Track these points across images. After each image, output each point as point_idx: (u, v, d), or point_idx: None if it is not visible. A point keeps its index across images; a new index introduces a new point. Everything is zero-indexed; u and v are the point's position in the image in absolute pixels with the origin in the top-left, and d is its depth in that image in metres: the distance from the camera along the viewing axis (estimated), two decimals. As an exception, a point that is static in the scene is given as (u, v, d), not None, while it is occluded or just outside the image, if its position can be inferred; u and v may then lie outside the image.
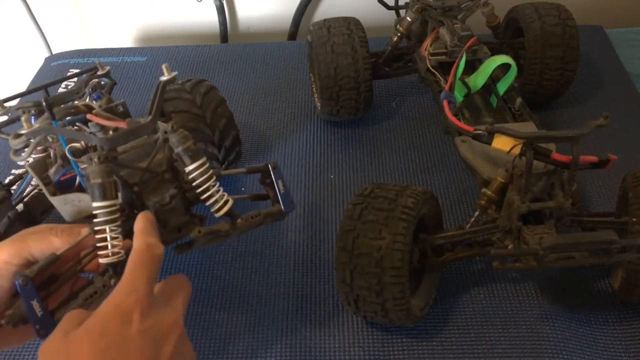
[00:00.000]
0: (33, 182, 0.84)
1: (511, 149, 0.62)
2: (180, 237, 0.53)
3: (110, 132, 0.55)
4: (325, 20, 0.90)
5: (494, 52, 0.83)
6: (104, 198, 0.46)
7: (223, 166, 0.82)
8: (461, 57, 0.78)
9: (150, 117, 0.49)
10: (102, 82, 0.75)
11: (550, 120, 0.93)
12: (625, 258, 0.61)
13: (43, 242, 0.46)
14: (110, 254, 0.46)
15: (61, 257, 0.46)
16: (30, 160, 0.59)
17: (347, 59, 0.85)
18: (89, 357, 0.37)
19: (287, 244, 0.77)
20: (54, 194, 0.63)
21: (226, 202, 0.52)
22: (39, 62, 1.18)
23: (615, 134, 0.87)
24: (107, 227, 0.46)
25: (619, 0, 1.25)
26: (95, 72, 0.75)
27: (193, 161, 0.50)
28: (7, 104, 0.71)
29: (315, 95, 0.96)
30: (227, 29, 1.28)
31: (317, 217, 0.80)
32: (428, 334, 0.66)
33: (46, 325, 0.44)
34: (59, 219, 0.72)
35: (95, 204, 0.46)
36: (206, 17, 1.27)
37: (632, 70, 1.05)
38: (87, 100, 0.73)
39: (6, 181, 0.77)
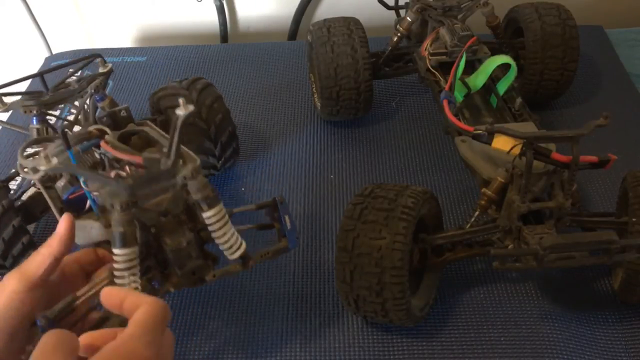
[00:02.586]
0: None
1: (511, 149, 0.62)
2: (194, 281, 0.55)
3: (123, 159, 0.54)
4: (325, 20, 0.90)
5: (494, 52, 0.83)
6: (124, 246, 0.48)
7: (220, 162, 0.82)
8: (461, 57, 0.78)
9: (171, 161, 0.49)
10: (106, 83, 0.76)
11: (550, 120, 0.93)
12: (625, 258, 0.61)
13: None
14: None
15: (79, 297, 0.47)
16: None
17: (347, 59, 0.85)
18: None
19: (287, 244, 0.77)
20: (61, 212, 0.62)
21: (240, 245, 0.54)
22: (39, 62, 1.18)
23: (615, 134, 0.87)
24: (126, 273, 0.48)
25: (619, 0, 1.25)
26: (92, 61, 0.75)
27: (210, 208, 0.51)
28: (6, 99, 0.71)
29: (315, 95, 0.96)
30: (227, 29, 1.28)
31: (317, 217, 0.80)
32: (428, 334, 0.66)
33: None
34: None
35: (116, 251, 0.48)
36: (206, 17, 1.27)
37: (632, 70, 1.05)
38: (89, 100, 0.73)
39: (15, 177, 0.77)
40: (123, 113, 0.64)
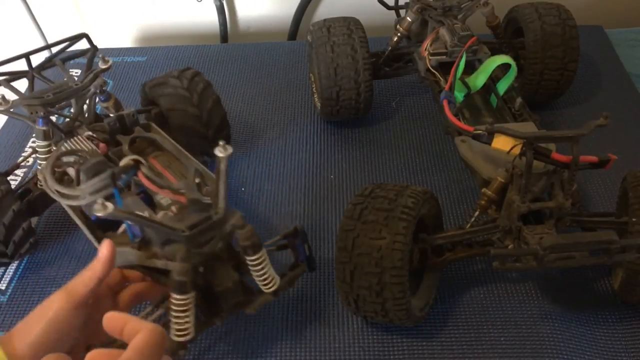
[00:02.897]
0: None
1: (511, 149, 0.62)
2: (234, 312, 0.60)
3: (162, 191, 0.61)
4: (325, 20, 0.90)
5: (494, 52, 0.83)
6: (185, 293, 0.53)
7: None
8: (461, 57, 0.78)
9: (222, 211, 0.56)
10: (107, 83, 0.76)
11: (550, 120, 0.93)
12: (625, 258, 0.61)
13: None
14: (186, 334, 0.54)
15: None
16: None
17: (347, 59, 0.85)
18: None
19: (287, 244, 0.77)
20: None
21: (275, 281, 0.60)
22: (39, 62, 1.18)
23: (615, 134, 0.87)
24: (183, 314, 0.54)
25: (619, 0, 1.25)
26: (77, 41, 0.78)
27: (255, 254, 0.57)
28: (8, 98, 0.71)
29: (315, 95, 0.96)
30: (227, 29, 1.28)
31: (317, 217, 0.80)
32: (428, 334, 0.66)
33: None
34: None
35: (176, 297, 0.53)
36: (206, 17, 1.27)
37: (632, 70, 1.05)
38: (97, 100, 0.75)
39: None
40: (131, 117, 0.70)
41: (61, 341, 0.49)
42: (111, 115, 0.72)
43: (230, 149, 0.54)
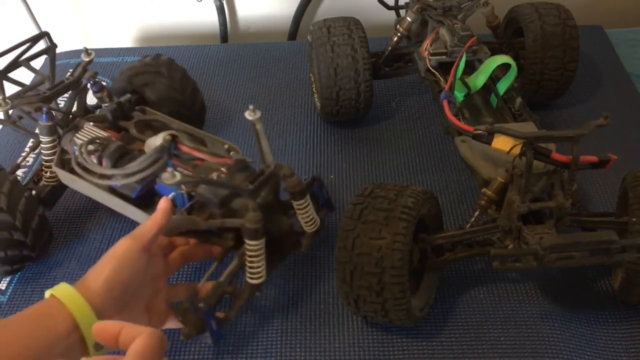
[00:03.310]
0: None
1: (511, 149, 0.62)
2: (290, 253, 0.69)
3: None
4: (325, 20, 0.90)
5: (494, 52, 0.83)
6: (258, 238, 0.61)
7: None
8: (461, 57, 0.78)
9: (272, 164, 0.66)
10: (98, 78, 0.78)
11: (550, 120, 0.93)
12: (625, 258, 0.61)
13: None
14: (260, 277, 0.63)
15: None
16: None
17: (347, 59, 0.85)
18: None
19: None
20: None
21: (316, 221, 0.68)
22: (39, 62, 1.18)
23: (615, 134, 0.87)
24: (258, 259, 0.62)
25: (619, 0, 1.25)
26: (38, 41, 0.80)
27: (302, 198, 0.66)
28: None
29: (315, 95, 0.96)
30: (227, 29, 1.28)
31: (317, 217, 0.80)
32: (428, 334, 0.66)
33: (218, 337, 0.61)
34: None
35: (252, 243, 0.61)
36: (206, 17, 1.27)
37: (632, 70, 1.05)
38: (90, 91, 0.78)
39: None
40: (127, 104, 0.75)
41: (131, 280, 0.56)
42: (105, 105, 0.76)
43: (258, 112, 0.63)
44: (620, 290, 0.67)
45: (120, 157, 0.67)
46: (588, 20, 1.11)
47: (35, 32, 1.26)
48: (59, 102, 0.87)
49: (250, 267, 0.62)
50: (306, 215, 0.67)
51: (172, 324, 0.61)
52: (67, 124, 0.73)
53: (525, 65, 0.89)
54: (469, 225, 0.66)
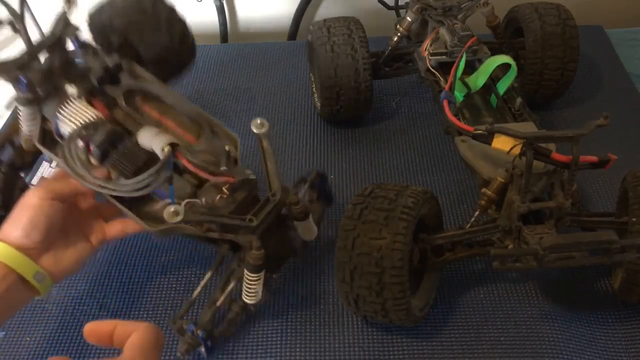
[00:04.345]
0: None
1: (511, 149, 0.62)
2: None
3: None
4: (325, 20, 0.90)
5: (494, 52, 0.83)
6: (259, 272, 0.60)
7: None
8: (461, 57, 0.78)
9: (279, 194, 0.62)
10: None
11: (550, 120, 0.93)
12: (625, 258, 0.61)
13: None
14: (256, 297, 0.62)
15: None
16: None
17: (347, 59, 0.85)
18: None
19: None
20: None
21: (315, 230, 0.66)
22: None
23: (615, 134, 0.87)
24: (258, 288, 0.61)
25: (619, 0, 1.25)
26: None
27: (305, 219, 0.63)
28: None
29: (315, 95, 0.96)
30: (227, 29, 1.28)
31: (317, 217, 0.80)
32: (428, 334, 0.66)
33: (212, 351, 0.63)
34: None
35: (251, 275, 0.60)
36: (206, 17, 1.27)
37: (632, 70, 1.05)
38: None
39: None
40: (114, 64, 0.67)
41: (50, 225, 0.58)
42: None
43: (267, 124, 0.58)
44: (620, 290, 0.67)
45: (111, 145, 0.59)
46: (588, 20, 1.10)
47: (34, 32, 1.26)
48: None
49: (248, 289, 0.62)
50: (304, 229, 0.65)
51: (115, 231, 0.65)
52: (46, 86, 0.63)
53: (525, 65, 0.89)
54: (469, 225, 0.66)
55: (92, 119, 0.62)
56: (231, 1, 1.27)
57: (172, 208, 0.54)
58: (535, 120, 0.74)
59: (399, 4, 0.95)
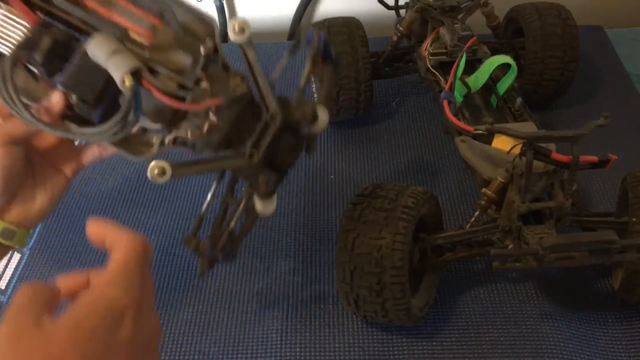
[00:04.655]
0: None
1: (511, 149, 0.62)
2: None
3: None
4: (325, 20, 0.90)
5: (494, 52, 0.83)
6: (271, 197, 0.51)
7: None
8: (461, 57, 0.78)
9: (278, 116, 0.49)
10: None
11: (550, 120, 0.93)
12: (625, 258, 0.61)
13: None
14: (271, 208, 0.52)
15: None
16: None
17: (347, 59, 0.85)
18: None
19: (287, 244, 0.77)
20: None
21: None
22: None
23: (615, 134, 0.87)
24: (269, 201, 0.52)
25: (619, 0, 1.25)
26: None
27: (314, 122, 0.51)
28: None
29: (316, 96, 0.95)
30: (227, 29, 1.28)
31: (317, 217, 0.80)
32: (428, 334, 0.66)
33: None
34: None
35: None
36: (206, 17, 1.27)
37: (632, 70, 1.04)
38: None
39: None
40: None
41: (9, 174, 0.50)
42: None
43: (248, 27, 0.43)
44: (620, 290, 0.67)
45: (58, 59, 0.47)
46: (588, 20, 1.10)
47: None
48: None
49: (262, 207, 0.53)
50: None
51: (92, 156, 0.56)
52: None
53: (525, 65, 0.89)
54: (469, 225, 0.66)
55: (20, 32, 0.48)
56: (231, 1, 1.27)
57: (155, 168, 0.43)
58: (535, 120, 0.74)
59: (399, 4, 0.95)
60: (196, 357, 0.65)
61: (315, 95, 0.57)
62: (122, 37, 0.46)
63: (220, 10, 1.25)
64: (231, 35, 0.43)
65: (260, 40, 1.26)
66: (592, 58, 1.05)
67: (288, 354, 0.65)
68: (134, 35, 0.47)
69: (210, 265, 0.56)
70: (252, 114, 0.49)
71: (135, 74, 0.44)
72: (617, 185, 0.70)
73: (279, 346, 0.66)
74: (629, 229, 0.63)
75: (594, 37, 1.11)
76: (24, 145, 0.51)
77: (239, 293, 0.72)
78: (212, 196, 0.57)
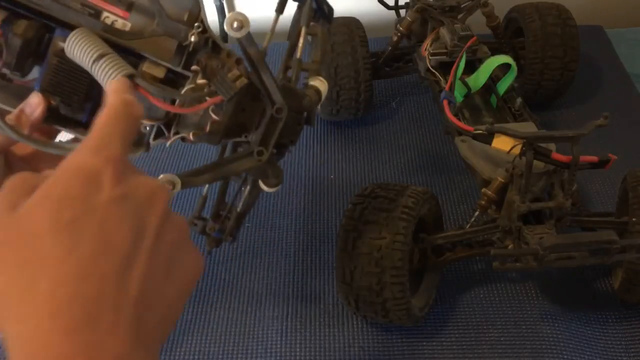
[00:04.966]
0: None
1: (511, 149, 0.62)
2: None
3: None
4: (325, 18, 0.90)
5: (494, 52, 0.83)
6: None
7: None
8: (461, 57, 0.78)
9: (284, 107, 0.47)
10: None
11: (550, 120, 0.93)
12: (625, 258, 0.61)
13: None
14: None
15: None
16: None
17: (347, 59, 0.85)
18: (49, 234, 0.28)
19: (287, 244, 0.77)
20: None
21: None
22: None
23: (615, 134, 0.87)
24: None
25: (619, 0, 1.25)
26: None
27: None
28: None
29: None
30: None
31: (317, 217, 0.80)
32: (428, 334, 0.66)
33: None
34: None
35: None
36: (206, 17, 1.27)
37: (632, 70, 1.04)
38: None
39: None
40: None
41: None
42: None
43: (246, 21, 0.40)
44: (620, 290, 0.67)
45: (31, 56, 0.42)
46: (588, 20, 1.10)
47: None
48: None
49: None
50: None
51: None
52: None
53: (525, 65, 0.89)
54: (469, 225, 0.66)
55: None
56: (231, 1, 1.27)
57: (164, 183, 0.41)
58: (535, 120, 0.74)
59: (399, 4, 0.95)
60: (196, 357, 0.65)
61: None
62: (104, 29, 0.41)
63: (220, 10, 1.25)
64: (229, 31, 0.40)
65: (261, 40, 1.26)
66: (592, 58, 1.05)
67: (288, 354, 0.65)
68: (109, 18, 0.42)
69: (217, 244, 0.55)
70: (251, 97, 0.47)
71: (129, 78, 0.39)
72: (617, 185, 0.70)
73: (279, 346, 0.66)
74: (629, 229, 0.63)
75: (594, 37, 1.11)
76: (4, 152, 0.43)
77: (239, 293, 0.72)
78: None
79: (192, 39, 0.44)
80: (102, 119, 0.33)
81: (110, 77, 0.38)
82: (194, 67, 0.44)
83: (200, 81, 0.44)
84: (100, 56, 0.38)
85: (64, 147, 0.41)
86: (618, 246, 0.59)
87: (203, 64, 0.44)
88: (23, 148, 0.45)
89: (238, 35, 0.40)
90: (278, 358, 0.65)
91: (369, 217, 0.60)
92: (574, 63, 0.87)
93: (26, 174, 0.31)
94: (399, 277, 0.58)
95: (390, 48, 0.91)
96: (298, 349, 0.66)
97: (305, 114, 0.52)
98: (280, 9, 0.55)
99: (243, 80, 0.45)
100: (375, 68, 0.90)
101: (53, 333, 0.26)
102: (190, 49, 0.44)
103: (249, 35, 0.41)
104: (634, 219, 0.62)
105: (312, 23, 0.56)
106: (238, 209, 0.54)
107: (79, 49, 0.39)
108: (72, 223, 0.28)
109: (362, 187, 0.65)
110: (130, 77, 0.39)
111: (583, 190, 0.81)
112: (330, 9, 0.56)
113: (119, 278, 0.28)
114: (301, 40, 0.53)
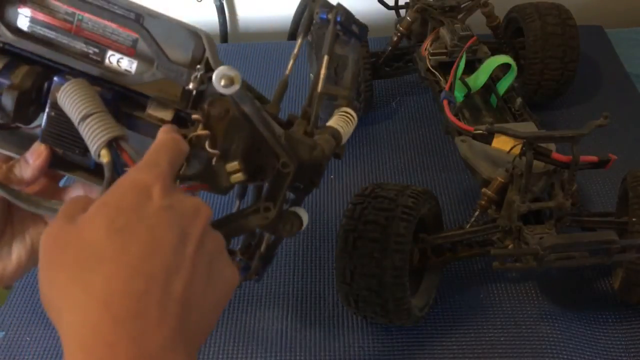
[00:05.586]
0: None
1: (511, 149, 0.62)
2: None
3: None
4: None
5: (494, 52, 0.83)
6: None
7: None
8: (461, 57, 0.78)
9: (291, 165, 0.42)
10: None
11: (550, 120, 0.93)
12: (625, 258, 0.61)
13: None
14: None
15: None
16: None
17: (347, 59, 0.85)
18: (105, 238, 0.31)
19: (287, 244, 0.77)
20: None
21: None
22: None
23: (615, 134, 0.87)
24: None
25: (619, 0, 1.25)
26: None
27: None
28: None
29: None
30: (227, 29, 1.28)
31: (317, 217, 0.80)
32: (428, 334, 0.66)
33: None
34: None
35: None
36: (206, 17, 1.27)
37: (632, 70, 1.04)
38: None
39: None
40: None
41: None
42: None
43: (237, 77, 0.36)
44: (620, 290, 0.67)
45: (31, 105, 0.41)
46: (588, 20, 1.10)
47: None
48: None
49: None
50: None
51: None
52: None
53: (525, 65, 0.89)
54: (469, 225, 0.66)
55: None
56: (231, 1, 1.27)
57: None
58: (535, 120, 0.74)
59: (399, 4, 0.95)
60: (197, 354, 0.65)
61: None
62: (100, 74, 0.41)
63: (220, 10, 1.25)
64: (218, 89, 0.36)
65: (260, 40, 1.26)
66: (592, 58, 1.05)
67: (288, 354, 0.65)
68: (114, 56, 0.42)
69: (248, 279, 0.54)
70: (254, 141, 0.43)
71: (113, 142, 0.38)
72: (617, 185, 0.70)
73: (279, 346, 0.66)
74: (629, 229, 0.63)
75: (594, 37, 1.11)
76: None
77: (239, 293, 0.72)
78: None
79: (191, 86, 0.42)
80: (153, 147, 0.37)
81: (95, 138, 0.37)
82: (195, 116, 0.41)
83: (201, 132, 0.41)
84: (85, 116, 0.37)
85: (52, 207, 0.41)
86: (618, 246, 0.59)
87: (205, 110, 0.41)
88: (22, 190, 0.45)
89: (228, 92, 0.36)
90: (278, 358, 0.65)
91: (369, 217, 0.60)
92: (573, 63, 0.87)
93: (82, 196, 0.37)
94: (399, 277, 0.58)
95: (390, 48, 0.91)
96: (298, 349, 0.66)
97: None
98: (305, 32, 0.53)
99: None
100: (375, 68, 0.90)
101: (102, 322, 0.29)
102: (194, 93, 0.42)
103: (240, 92, 0.37)
104: (634, 219, 0.62)
105: (343, 38, 0.52)
106: (262, 249, 0.51)
107: (69, 103, 0.38)
108: (125, 228, 0.32)
109: (362, 187, 0.65)
110: (116, 140, 0.38)
111: (583, 190, 0.81)
112: (363, 27, 0.51)
113: (165, 278, 0.31)
114: (323, 72, 0.49)
